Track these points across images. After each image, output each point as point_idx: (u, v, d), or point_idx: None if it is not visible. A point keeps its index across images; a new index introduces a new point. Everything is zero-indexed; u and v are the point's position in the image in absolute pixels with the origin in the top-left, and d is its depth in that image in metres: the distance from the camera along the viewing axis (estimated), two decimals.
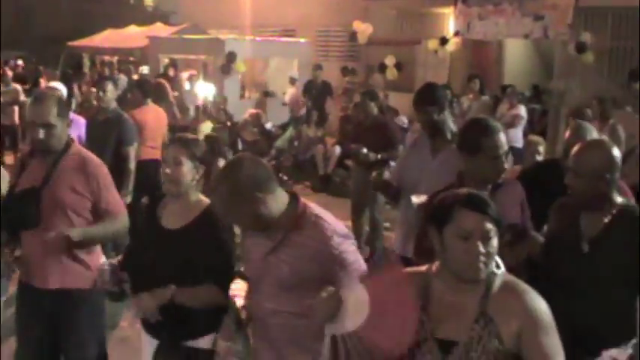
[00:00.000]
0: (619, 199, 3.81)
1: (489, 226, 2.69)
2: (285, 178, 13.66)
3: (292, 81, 18.13)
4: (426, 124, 5.56)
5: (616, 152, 3.77)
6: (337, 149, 14.51)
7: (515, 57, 19.31)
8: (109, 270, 4.08)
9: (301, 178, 14.43)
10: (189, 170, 3.93)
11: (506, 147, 4.13)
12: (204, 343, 3.88)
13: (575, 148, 3.84)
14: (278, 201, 3.39)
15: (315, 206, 3.51)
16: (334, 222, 3.43)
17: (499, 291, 2.73)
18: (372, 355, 2.83)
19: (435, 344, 2.73)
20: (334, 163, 14.53)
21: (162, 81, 12.61)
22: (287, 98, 17.94)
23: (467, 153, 4.16)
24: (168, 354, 3.93)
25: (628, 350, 3.59)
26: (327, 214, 3.48)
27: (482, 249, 2.67)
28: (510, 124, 12.63)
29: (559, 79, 16.83)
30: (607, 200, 3.76)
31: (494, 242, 2.70)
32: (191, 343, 3.90)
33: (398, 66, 18.85)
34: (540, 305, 2.74)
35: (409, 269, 3.00)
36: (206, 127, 13.50)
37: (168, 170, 3.94)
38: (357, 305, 2.77)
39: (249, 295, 3.61)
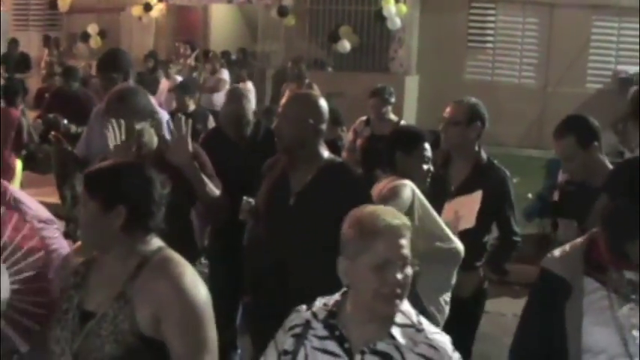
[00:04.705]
0: (326, 154, 3.84)
1: None
2: None
3: None
4: (108, 91, 5.37)
5: (323, 103, 3.82)
6: (40, 124, 13.82)
7: (221, 21, 19.51)
8: None
9: None
10: None
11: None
12: None
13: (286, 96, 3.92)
14: None
15: (16, 190, 3.23)
16: (36, 207, 3.17)
17: (152, 270, 2.54)
18: None
19: (77, 313, 2.60)
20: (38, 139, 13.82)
21: None
22: None
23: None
24: None
25: None
26: (29, 198, 3.20)
27: None
28: (214, 89, 12.77)
29: (264, 42, 17.22)
30: (312, 150, 3.78)
31: None
32: None
33: (102, 34, 18.49)
34: (193, 295, 2.50)
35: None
36: None
37: None
38: None
39: None
